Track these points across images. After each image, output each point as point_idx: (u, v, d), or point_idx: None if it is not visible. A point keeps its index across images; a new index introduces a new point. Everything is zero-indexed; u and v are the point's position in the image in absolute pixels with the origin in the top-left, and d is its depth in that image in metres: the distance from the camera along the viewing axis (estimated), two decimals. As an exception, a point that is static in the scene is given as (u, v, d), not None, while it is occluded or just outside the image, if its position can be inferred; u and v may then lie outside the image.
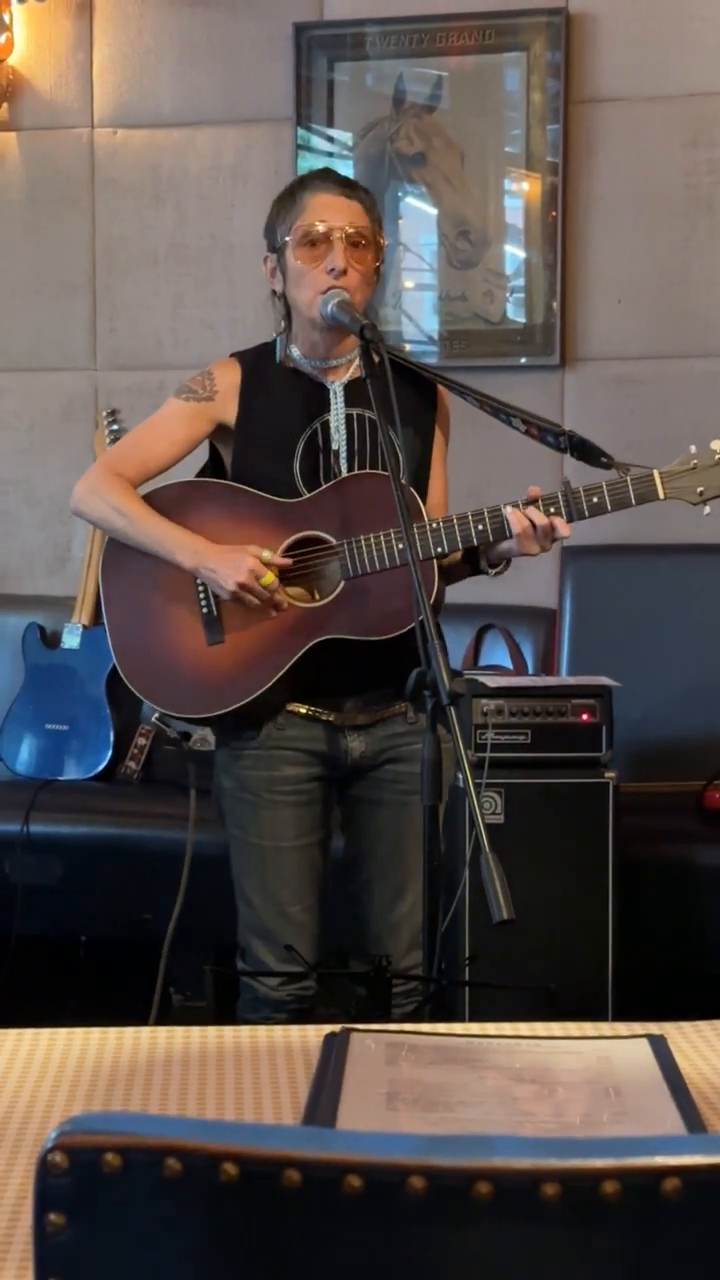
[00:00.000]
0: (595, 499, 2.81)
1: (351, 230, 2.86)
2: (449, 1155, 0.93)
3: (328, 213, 2.87)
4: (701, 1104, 1.52)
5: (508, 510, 2.80)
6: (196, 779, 3.80)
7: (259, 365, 2.98)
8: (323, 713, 2.92)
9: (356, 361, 2.93)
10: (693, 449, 2.83)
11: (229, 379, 2.97)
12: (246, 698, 2.86)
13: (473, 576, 2.98)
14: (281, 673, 2.85)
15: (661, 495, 2.82)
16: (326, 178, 2.95)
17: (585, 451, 2.98)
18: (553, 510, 2.80)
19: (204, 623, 2.91)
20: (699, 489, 2.82)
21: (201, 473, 3.04)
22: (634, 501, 2.81)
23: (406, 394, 2.88)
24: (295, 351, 2.97)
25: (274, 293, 2.97)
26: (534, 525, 2.78)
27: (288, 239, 2.88)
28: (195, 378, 3.00)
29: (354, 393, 2.93)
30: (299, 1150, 0.94)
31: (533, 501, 2.81)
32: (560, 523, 2.80)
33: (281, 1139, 0.95)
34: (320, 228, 2.85)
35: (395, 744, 2.94)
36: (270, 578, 2.81)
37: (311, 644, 2.85)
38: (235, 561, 2.82)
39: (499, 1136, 0.95)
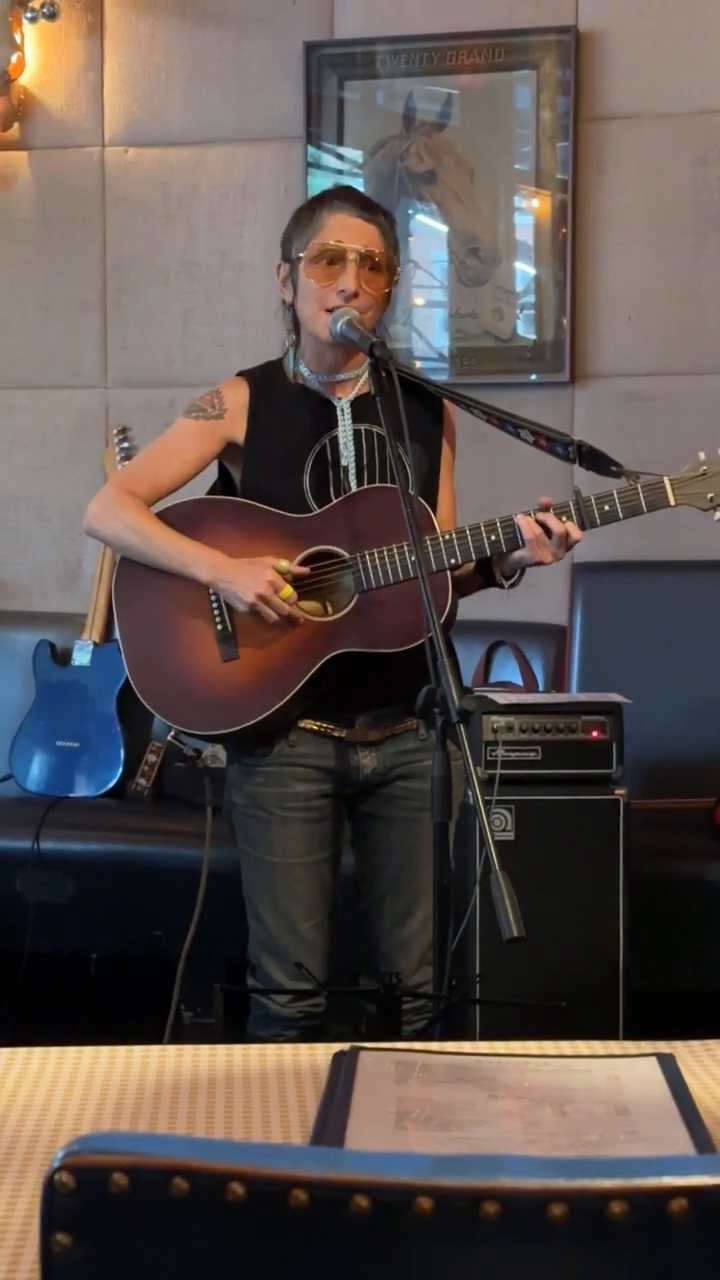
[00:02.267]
0: (607, 507, 2.82)
1: (366, 253, 2.87)
2: (456, 1175, 0.93)
3: (344, 233, 2.87)
4: (711, 1124, 1.52)
5: (519, 518, 2.81)
6: (204, 796, 3.81)
7: (266, 383, 2.99)
8: (334, 729, 2.92)
9: (364, 377, 2.94)
10: (701, 455, 2.84)
11: (237, 397, 2.98)
12: (263, 713, 2.86)
13: (485, 589, 2.98)
14: (298, 688, 2.85)
15: (673, 502, 2.83)
16: (347, 198, 2.96)
17: (595, 461, 2.98)
18: (565, 518, 2.81)
19: (218, 639, 2.91)
20: (709, 495, 2.83)
21: (211, 491, 3.05)
22: (645, 509, 2.82)
23: (413, 409, 2.89)
24: (303, 367, 2.98)
25: (284, 303, 2.98)
26: (548, 531, 2.79)
27: (302, 254, 2.90)
28: (204, 396, 3.01)
29: (361, 408, 2.94)
30: (306, 1170, 0.94)
31: (545, 510, 2.82)
32: (572, 527, 2.81)
33: (289, 1159, 0.95)
34: (335, 247, 2.86)
35: (406, 760, 2.94)
36: (288, 590, 2.82)
37: (327, 658, 2.85)
38: (254, 574, 2.83)
39: (506, 1156, 0.95)
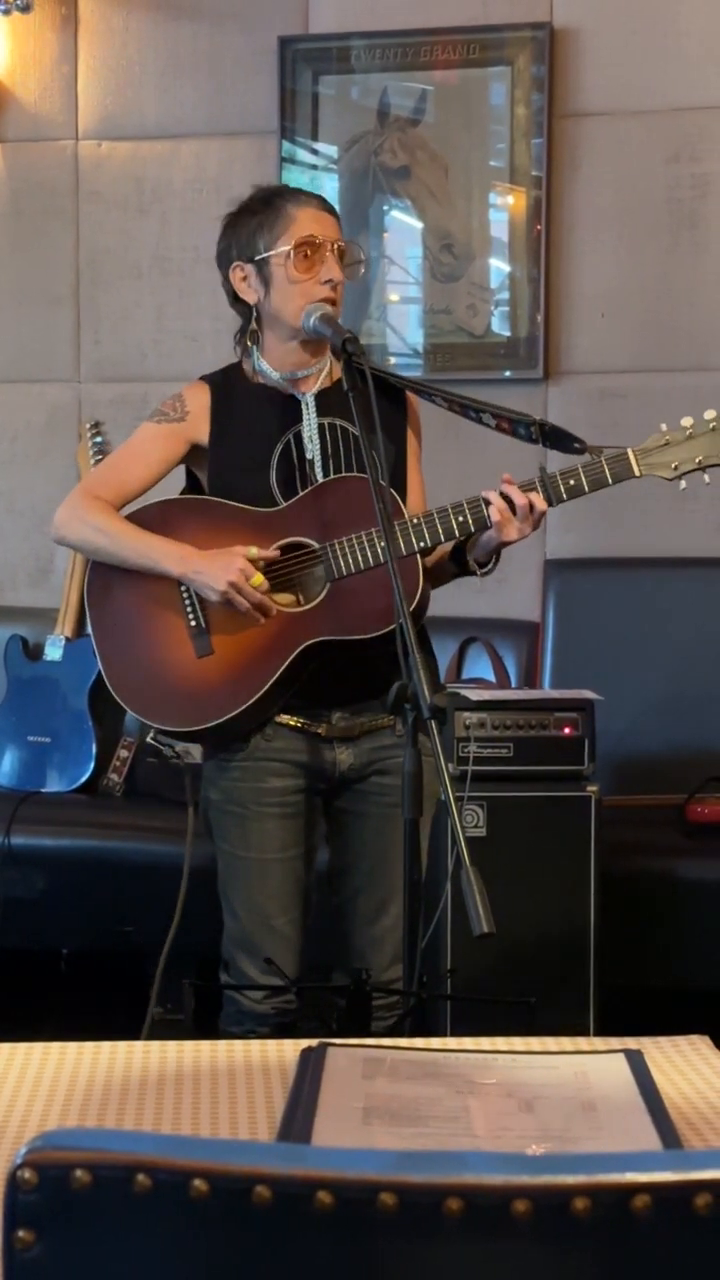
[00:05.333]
0: (572, 481, 2.82)
1: (340, 245, 2.92)
2: (420, 1171, 0.93)
3: (317, 226, 2.91)
4: (678, 1120, 1.52)
5: (487, 493, 2.81)
6: (178, 792, 3.79)
7: (227, 384, 3.00)
8: (310, 724, 2.92)
9: (326, 370, 2.95)
10: (664, 426, 2.84)
11: (199, 400, 2.99)
12: (239, 707, 2.86)
13: (460, 577, 2.98)
14: (274, 680, 2.85)
15: (638, 472, 2.83)
16: (302, 193, 3.01)
17: (558, 439, 2.98)
18: (530, 492, 2.82)
19: (192, 635, 2.90)
20: (674, 464, 2.83)
21: (182, 495, 3.05)
22: (611, 480, 2.81)
23: (378, 401, 2.89)
24: (264, 364, 2.97)
25: (244, 304, 2.98)
26: (512, 506, 2.80)
27: (276, 250, 2.90)
28: (166, 401, 3.02)
29: (324, 402, 2.94)
30: (269, 1166, 0.93)
31: (508, 485, 2.82)
32: (536, 498, 2.81)
33: (252, 1155, 0.95)
34: (317, 240, 2.88)
35: (382, 756, 2.94)
36: (259, 578, 2.82)
37: (302, 648, 2.84)
38: (224, 563, 2.82)
39: (470, 1153, 0.94)
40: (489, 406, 3.04)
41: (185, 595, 2.90)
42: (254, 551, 2.84)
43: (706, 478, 2.85)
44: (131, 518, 2.96)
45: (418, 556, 2.84)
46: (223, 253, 2.99)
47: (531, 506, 2.80)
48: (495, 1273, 0.94)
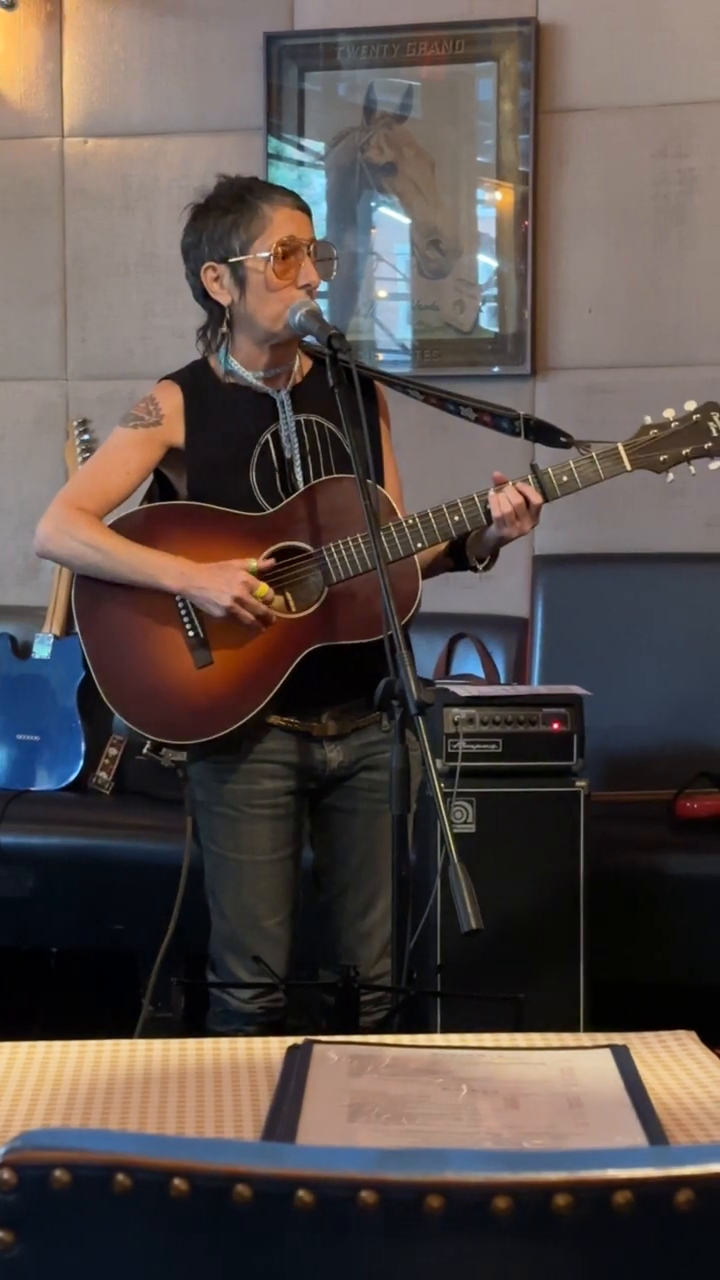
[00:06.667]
0: (565, 478, 2.82)
1: (314, 244, 2.87)
2: (400, 1169, 0.92)
3: (294, 226, 2.84)
4: (663, 1116, 1.52)
5: (491, 495, 2.80)
6: (167, 790, 3.79)
7: (198, 383, 2.95)
8: (300, 724, 2.90)
9: (295, 367, 2.93)
10: (647, 419, 2.86)
11: (171, 401, 2.93)
12: (246, 715, 2.84)
13: (457, 571, 2.97)
14: (279, 686, 2.83)
15: (629, 467, 2.83)
16: (275, 190, 2.93)
17: (542, 433, 2.98)
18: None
19: (190, 646, 2.87)
20: (661, 457, 2.84)
21: (149, 499, 3.01)
22: (603, 476, 2.82)
23: (349, 392, 2.86)
24: (234, 364, 2.94)
25: (214, 303, 2.91)
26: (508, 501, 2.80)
27: (253, 254, 2.83)
28: (138, 404, 2.95)
29: (299, 398, 2.92)
30: (249, 1165, 0.93)
31: (501, 485, 2.81)
32: (530, 490, 2.80)
33: (232, 1154, 0.95)
34: (296, 241, 2.83)
35: (370, 752, 2.93)
36: (264, 589, 2.79)
37: (303, 655, 2.83)
38: (227, 577, 2.79)
39: (451, 1150, 0.94)
40: (469, 400, 3.04)
41: (181, 606, 2.87)
42: (253, 564, 2.81)
43: (692, 469, 2.86)
44: (115, 526, 2.92)
45: (415, 560, 2.83)
46: (191, 247, 2.90)
47: (528, 501, 2.80)
48: (476, 1270, 0.93)
